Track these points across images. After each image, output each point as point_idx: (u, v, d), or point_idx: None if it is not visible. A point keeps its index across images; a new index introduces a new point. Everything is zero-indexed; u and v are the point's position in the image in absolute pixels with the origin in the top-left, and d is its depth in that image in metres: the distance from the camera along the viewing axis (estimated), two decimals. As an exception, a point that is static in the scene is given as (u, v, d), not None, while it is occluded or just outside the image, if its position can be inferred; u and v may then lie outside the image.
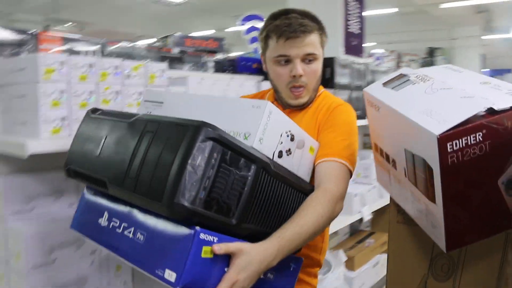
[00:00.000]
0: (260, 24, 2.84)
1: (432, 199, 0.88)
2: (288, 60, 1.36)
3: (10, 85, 1.48)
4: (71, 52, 1.80)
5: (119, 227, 1.06)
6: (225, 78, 2.31)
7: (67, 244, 1.42)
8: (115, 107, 1.54)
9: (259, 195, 1.04)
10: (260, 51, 1.50)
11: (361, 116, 1.98)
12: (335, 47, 3.39)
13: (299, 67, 1.35)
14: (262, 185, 1.05)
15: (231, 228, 0.99)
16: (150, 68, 1.65)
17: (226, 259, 0.97)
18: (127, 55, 2.08)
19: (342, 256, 2.60)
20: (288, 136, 1.18)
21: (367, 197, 2.61)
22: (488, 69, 15.25)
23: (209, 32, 10.57)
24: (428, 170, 0.85)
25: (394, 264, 1.19)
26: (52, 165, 1.55)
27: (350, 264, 2.69)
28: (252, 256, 0.98)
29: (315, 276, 1.53)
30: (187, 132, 0.92)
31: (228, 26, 9.65)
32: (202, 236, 0.92)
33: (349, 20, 3.50)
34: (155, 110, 1.26)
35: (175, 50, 2.35)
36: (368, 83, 2.96)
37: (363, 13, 3.68)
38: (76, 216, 1.22)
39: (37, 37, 1.75)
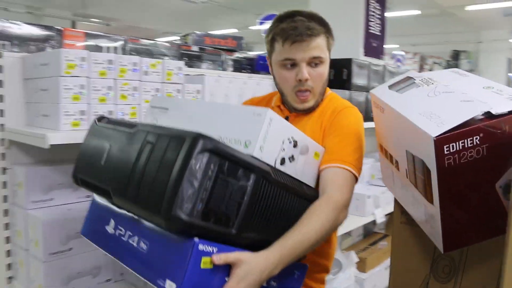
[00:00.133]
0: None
1: (430, 200, 0.90)
2: (294, 64, 1.34)
3: (35, 79, 1.55)
4: (93, 48, 1.86)
5: (124, 235, 1.08)
6: (242, 76, 2.34)
7: (83, 233, 1.48)
8: (132, 102, 1.60)
9: (259, 204, 1.04)
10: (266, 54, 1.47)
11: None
12: (355, 48, 3.40)
13: (305, 71, 1.32)
14: (263, 194, 1.04)
15: (231, 238, 0.99)
16: (167, 65, 1.70)
17: (227, 269, 0.97)
18: (148, 52, 2.14)
19: (353, 257, 2.61)
20: (290, 142, 1.17)
21: (380, 199, 2.61)
22: (515, 73, 14.90)
23: (231, 30, 10.62)
24: (427, 171, 0.87)
25: (397, 264, 1.21)
26: (71, 157, 1.61)
27: (362, 266, 2.70)
28: (253, 265, 0.97)
29: (322, 282, 1.51)
30: (184, 144, 0.91)
31: (251, 24, 9.69)
32: (200, 247, 0.93)
33: (370, 21, 3.49)
34: (160, 116, 1.27)
35: (195, 48, 2.39)
36: (386, 85, 2.96)
37: (385, 15, 3.67)
38: (86, 222, 1.24)
39: (62, 33, 1.82)
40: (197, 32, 2.52)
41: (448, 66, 9.10)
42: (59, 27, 1.78)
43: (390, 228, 3.22)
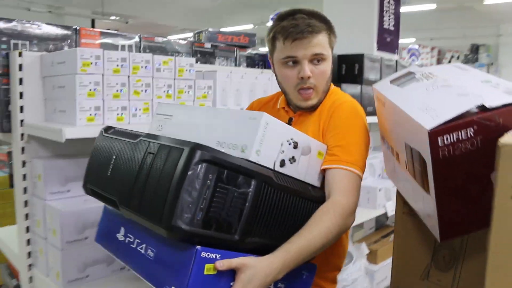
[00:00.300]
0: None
1: (427, 190, 0.93)
2: (295, 62, 1.33)
3: (53, 77, 1.62)
4: (109, 46, 1.92)
5: (133, 242, 1.11)
6: (254, 72, 2.38)
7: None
8: (145, 98, 1.65)
9: (262, 209, 1.05)
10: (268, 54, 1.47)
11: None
12: (369, 43, 3.41)
13: (307, 68, 1.31)
14: (265, 199, 1.05)
15: (235, 244, 1.01)
16: (179, 62, 1.75)
17: (231, 274, 0.99)
18: (162, 49, 2.19)
19: (364, 248, 2.64)
20: (290, 144, 1.17)
21: (392, 192, 2.63)
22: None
23: (248, 26, 10.65)
24: (423, 163, 0.90)
25: (399, 253, 1.24)
26: (86, 150, 1.68)
27: (373, 258, 2.72)
28: (257, 270, 0.98)
29: (333, 280, 1.50)
30: (182, 155, 0.93)
31: (267, 21, 9.71)
32: (203, 254, 0.95)
33: (384, 16, 3.49)
34: (164, 123, 1.29)
35: (208, 45, 2.44)
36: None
37: (400, 9, 3.66)
38: (99, 229, 1.29)
39: (78, 33, 1.88)
40: (210, 29, 2.56)
41: (467, 60, 8.98)
42: (76, 27, 1.84)
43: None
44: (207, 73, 2.07)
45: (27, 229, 1.69)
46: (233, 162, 1.00)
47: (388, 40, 3.55)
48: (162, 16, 10.43)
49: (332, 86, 1.46)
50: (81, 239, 1.52)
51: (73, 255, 1.51)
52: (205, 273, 0.95)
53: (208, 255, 0.96)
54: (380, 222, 3.21)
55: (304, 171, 1.22)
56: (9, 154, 2.89)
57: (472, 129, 0.84)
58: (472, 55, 9.30)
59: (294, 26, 1.29)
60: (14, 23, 1.66)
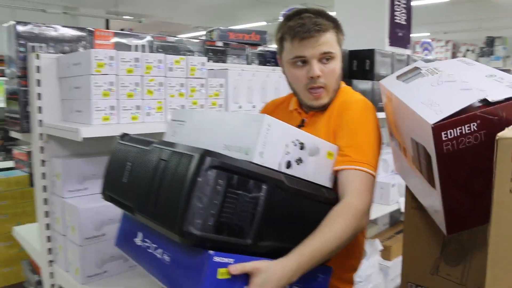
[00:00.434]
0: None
1: (433, 185, 0.94)
2: (304, 61, 1.32)
3: (69, 78, 1.66)
4: (123, 46, 1.96)
5: (150, 247, 1.13)
6: (265, 70, 2.40)
7: (115, 221, 1.55)
8: (158, 97, 1.69)
9: (274, 213, 1.05)
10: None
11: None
12: (381, 39, 3.40)
13: (316, 68, 1.31)
14: (277, 203, 1.06)
15: (247, 248, 1.02)
16: (191, 61, 1.78)
17: (245, 278, 0.99)
18: (174, 48, 2.23)
19: (378, 245, 2.64)
20: (296, 145, 1.17)
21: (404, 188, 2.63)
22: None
23: (261, 23, 10.66)
24: (428, 157, 0.92)
25: (408, 248, 1.26)
26: (102, 149, 1.73)
27: (387, 254, 2.73)
28: (270, 273, 0.99)
29: (350, 281, 1.49)
30: (192, 162, 0.95)
31: (279, 17, 9.70)
32: (216, 259, 0.96)
33: (395, 11, 3.47)
34: (178, 129, 1.32)
35: (219, 43, 2.47)
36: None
37: (411, 4, 3.64)
38: (118, 234, 1.32)
39: (93, 34, 1.92)
40: (222, 28, 2.59)
41: (482, 53, 8.86)
42: (90, 28, 1.89)
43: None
44: (219, 71, 2.10)
45: (47, 226, 1.75)
46: (243, 167, 1.01)
47: (400, 34, 3.53)
48: (175, 14, 10.50)
49: (343, 84, 1.46)
50: (99, 235, 1.56)
51: (92, 251, 1.55)
52: (219, 277, 0.96)
53: (222, 259, 0.97)
54: (394, 218, 3.21)
55: (313, 172, 1.21)
56: (29, 153, 2.96)
57: (475, 124, 0.85)
58: (488, 48, 9.16)
59: (301, 25, 1.29)
60: (31, 26, 1.71)
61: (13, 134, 1.87)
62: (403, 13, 3.55)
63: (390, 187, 2.55)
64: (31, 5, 8.05)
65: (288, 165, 1.15)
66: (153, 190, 1.03)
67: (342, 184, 1.24)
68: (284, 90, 2.29)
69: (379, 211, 2.55)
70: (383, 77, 2.75)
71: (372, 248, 2.60)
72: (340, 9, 3.62)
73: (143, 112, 1.65)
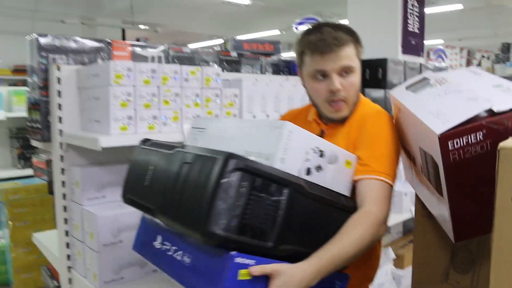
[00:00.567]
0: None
1: (441, 193, 0.97)
2: (324, 75, 1.34)
3: (88, 88, 1.72)
4: (139, 57, 2.02)
5: (170, 250, 1.15)
6: (279, 79, 2.44)
7: (132, 228, 1.60)
8: (174, 107, 1.74)
9: (295, 217, 1.07)
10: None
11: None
12: (394, 47, 3.42)
13: (336, 81, 1.33)
14: (298, 207, 1.07)
15: (268, 251, 1.03)
16: (206, 72, 1.83)
17: (265, 280, 1.00)
18: (189, 58, 2.28)
19: (391, 253, 2.65)
20: (315, 152, 1.19)
21: (418, 196, 2.63)
22: None
23: (275, 32, 10.72)
24: (436, 166, 0.94)
25: (418, 256, 1.28)
26: (120, 158, 1.78)
27: (400, 262, 2.73)
28: (290, 276, 1.00)
29: None
30: (216, 164, 0.97)
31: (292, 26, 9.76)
32: (237, 260, 0.97)
33: (408, 19, 3.49)
34: (199, 136, 1.35)
35: (234, 54, 2.52)
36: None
37: (425, 11, 3.65)
38: (136, 238, 1.34)
39: (110, 45, 1.99)
40: (236, 38, 2.64)
41: (498, 60, 8.75)
42: (108, 40, 1.95)
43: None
44: (234, 81, 2.14)
45: (66, 233, 1.80)
46: (266, 171, 1.03)
47: (413, 43, 3.55)
48: (190, 24, 10.62)
49: (362, 96, 1.48)
50: (116, 242, 1.61)
51: (109, 257, 1.60)
52: (239, 278, 0.97)
53: (243, 260, 0.98)
54: (408, 227, 3.20)
55: (332, 180, 1.23)
56: (47, 162, 3.03)
57: (481, 133, 0.87)
58: (503, 55, 9.04)
59: (321, 40, 1.32)
60: (52, 38, 1.78)
61: (34, 143, 1.93)
62: (416, 21, 3.57)
63: (403, 195, 2.55)
64: (50, 15, 8.23)
65: (308, 171, 1.17)
66: (176, 191, 1.05)
67: (361, 193, 1.25)
68: (297, 99, 2.33)
69: (392, 219, 2.55)
70: (395, 85, 2.77)
71: (385, 256, 2.60)
72: (353, 17, 3.66)
73: (159, 122, 1.70)
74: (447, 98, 1.01)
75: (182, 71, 1.76)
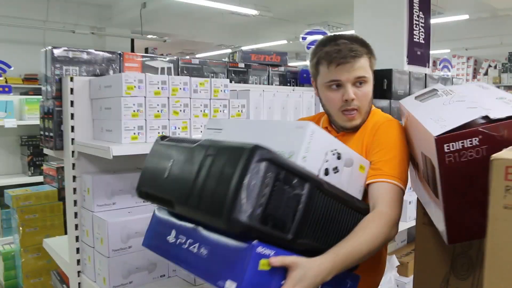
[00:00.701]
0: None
1: (437, 195, 1.01)
2: (339, 85, 1.39)
3: (100, 99, 1.78)
4: (150, 68, 2.08)
5: (185, 243, 1.15)
6: (285, 90, 2.49)
7: (141, 234, 1.63)
8: (183, 117, 1.79)
9: (313, 212, 1.09)
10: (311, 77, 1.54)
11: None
12: (400, 58, 3.46)
13: (351, 91, 1.37)
14: (316, 203, 1.10)
15: (287, 243, 1.05)
16: (214, 83, 1.88)
17: (283, 272, 1.02)
18: (198, 69, 2.34)
19: (394, 261, 2.67)
20: (334, 154, 1.22)
21: (422, 205, 2.66)
22: None
23: (282, 42, 10.81)
24: (433, 168, 0.98)
25: (419, 262, 1.31)
26: (130, 166, 1.84)
27: (404, 270, 2.75)
28: (307, 269, 1.01)
29: None
30: (243, 154, 0.98)
31: (299, 36, 9.83)
32: (259, 249, 0.98)
33: (414, 30, 3.54)
34: (215, 136, 1.37)
35: (241, 65, 2.57)
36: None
37: (430, 22, 3.69)
38: (147, 235, 1.34)
39: (122, 57, 2.05)
40: (244, 49, 2.70)
41: (505, 69, 8.77)
42: (119, 52, 2.01)
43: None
44: (241, 92, 2.19)
45: (77, 239, 1.85)
46: (290, 164, 1.05)
47: (418, 53, 3.59)
48: (198, 33, 10.74)
49: (373, 107, 1.52)
50: (126, 247, 1.65)
51: (118, 262, 1.64)
52: (260, 268, 0.98)
53: (264, 250, 0.99)
54: (412, 235, 3.22)
55: (347, 182, 1.27)
56: (57, 169, 3.09)
57: (477, 139, 0.91)
58: (510, 64, 9.04)
59: (337, 51, 1.36)
60: (66, 50, 1.84)
61: (46, 151, 1.99)
62: (421, 32, 3.61)
63: (408, 204, 2.58)
64: (61, 26, 8.37)
65: (326, 172, 1.20)
66: (200, 181, 1.06)
67: (374, 195, 1.29)
68: (304, 110, 2.38)
69: (397, 228, 2.58)
70: (401, 95, 2.82)
71: (389, 264, 2.63)
72: (359, 28, 3.71)
73: (169, 131, 1.75)
74: (450, 106, 1.06)
75: (191, 82, 1.81)
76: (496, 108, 0.96)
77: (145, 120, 1.68)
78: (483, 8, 7.69)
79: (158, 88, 1.71)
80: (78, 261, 1.85)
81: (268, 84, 2.70)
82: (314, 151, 1.16)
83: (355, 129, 1.46)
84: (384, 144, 1.36)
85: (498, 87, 9.35)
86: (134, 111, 1.65)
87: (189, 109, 1.81)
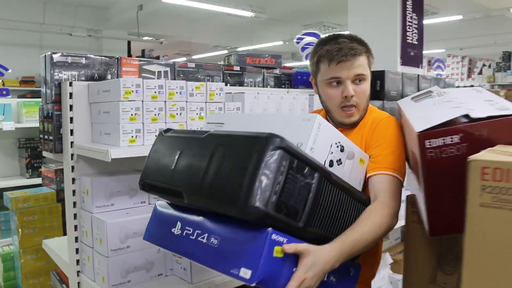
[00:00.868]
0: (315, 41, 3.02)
1: (422, 189, 1.06)
2: (339, 82, 1.45)
3: (98, 103, 1.82)
4: (146, 72, 2.12)
5: (192, 234, 1.15)
6: (280, 92, 2.53)
7: (139, 234, 1.69)
8: (180, 120, 1.83)
9: (322, 201, 1.12)
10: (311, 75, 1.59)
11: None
12: (393, 59, 3.50)
13: (350, 88, 1.43)
14: (325, 192, 1.13)
15: (297, 231, 1.07)
16: (210, 86, 1.93)
17: (294, 260, 1.05)
18: (194, 73, 2.38)
19: (388, 258, 2.72)
20: (338, 147, 1.26)
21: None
22: None
23: (278, 43, 10.86)
24: (417, 163, 1.03)
25: (408, 259, 1.36)
26: (128, 168, 1.88)
27: (397, 267, 2.80)
28: (318, 257, 1.06)
29: (368, 285, 1.61)
30: (258, 142, 1.00)
31: (295, 37, 9.87)
32: (273, 236, 1.00)
33: (407, 31, 3.58)
34: (218, 130, 1.34)
35: (236, 68, 2.62)
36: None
37: (423, 22, 3.74)
38: (148, 228, 1.34)
39: (119, 61, 2.09)
40: (239, 51, 2.74)
41: (499, 68, 8.84)
42: (117, 56, 2.05)
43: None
44: (236, 95, 2.23)
45: (76, 239, 1.89)
46: (302, 154, 1.07)
47: (412, 54, 3.64)
48: (194, 35, 10.79)
49: (370, 104, 1.58)
50: (124, 247, 1.69)
51: (117, 262, 1.68)
52: (274, 255, 1.00)
53: (278, 238, 1.01)
54: (406, 233, 3.27)
55: (348, 174, 1.31)
56: (56, 171, 3.12)
57: (458, 136, 0.96)
58: (504, 63, 9.11)
59: (338, 50, 1.42)
60: (65, 55, 1.88)
61: (45, 153, 2.02)
62: (415, 33, 3.65)
63: (402, 202, 2.63)
64: (58, 28, 8.40)
65: (331, 164, 1.25)
66: (211, 171, 1.07)
67: (375, 187, 1.35)
68: (298, 111, 2.42)
69: (390, 226, 2.62)
70: (393, 96, 2.87)
71: (383, 261, 2.68)
72: (353, 29, 3.75)
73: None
74: (438, 106, 1.12)
75: (188, 86, 1.86)
76: (480, 109, 1.00)
77: (143, 123, 1.73)
78: (477, 8, 7.75)
79: (155, 92, 1.76)
80: (78, 261, 1.88)
81: (263, 86, 2.74)
82: (320, 142, 1.20)
83: (353, 125, 1.51)
84: (383, 139, 1.41)
85: (493, 86, 9.43)
86: (132, 115, 1.69)
87: (186, 112, 1.85)
